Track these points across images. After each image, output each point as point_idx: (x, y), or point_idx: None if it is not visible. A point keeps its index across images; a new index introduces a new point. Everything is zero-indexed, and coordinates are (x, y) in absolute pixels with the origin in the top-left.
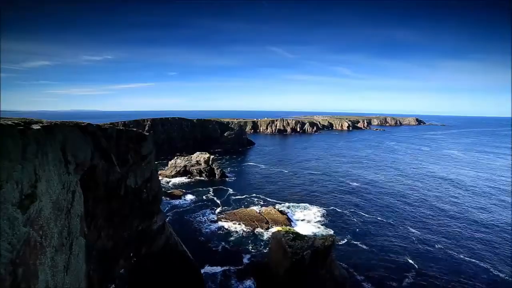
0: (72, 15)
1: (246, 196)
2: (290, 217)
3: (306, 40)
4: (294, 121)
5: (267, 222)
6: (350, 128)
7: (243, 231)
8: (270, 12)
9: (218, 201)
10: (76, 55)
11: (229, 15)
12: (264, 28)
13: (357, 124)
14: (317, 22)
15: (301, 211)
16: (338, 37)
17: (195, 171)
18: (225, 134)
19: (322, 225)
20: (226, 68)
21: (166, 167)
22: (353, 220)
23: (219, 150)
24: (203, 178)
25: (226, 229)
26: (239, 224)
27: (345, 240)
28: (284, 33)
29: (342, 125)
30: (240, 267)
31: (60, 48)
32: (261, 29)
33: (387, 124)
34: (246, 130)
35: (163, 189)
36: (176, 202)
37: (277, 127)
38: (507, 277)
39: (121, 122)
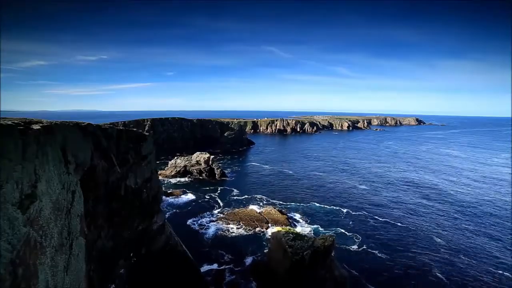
0: (66, 14)
1: (246, 196)
2: (290, 217)
3: (306, 40)
4: (294, 121)
5: (267, 222)
6: (350, 128)
7: (243, 231)
8: (268, 12)
9: (218, 201)
10: (71, 55)
11: (228, 15)
12: (262, 28)
13: (357, 124)
14: (317, 21)
15: (301, 211)
16: (338, 37)
17: (195, 171)
18: (225, 134)
19: (322, 225)
20: (226, 68)
21: (166, 167)
22: (354, 220)
23: (219, 150)
24: (203, 178)
25: (226, 229)
26: (239, 224)
27: (346, 241)
28: (282, 33)
29: (342, 125)
30: (240, 267)
31: (54, 48)
32: (259, 28)
33: (387, 124)
34: (246, 130)
35: (163, 189)
36: (176, 202)
37: (277, 127)
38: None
39: (121, 122)
